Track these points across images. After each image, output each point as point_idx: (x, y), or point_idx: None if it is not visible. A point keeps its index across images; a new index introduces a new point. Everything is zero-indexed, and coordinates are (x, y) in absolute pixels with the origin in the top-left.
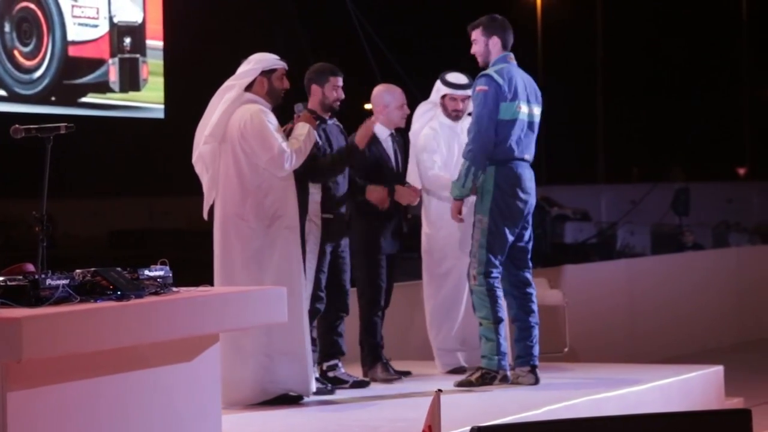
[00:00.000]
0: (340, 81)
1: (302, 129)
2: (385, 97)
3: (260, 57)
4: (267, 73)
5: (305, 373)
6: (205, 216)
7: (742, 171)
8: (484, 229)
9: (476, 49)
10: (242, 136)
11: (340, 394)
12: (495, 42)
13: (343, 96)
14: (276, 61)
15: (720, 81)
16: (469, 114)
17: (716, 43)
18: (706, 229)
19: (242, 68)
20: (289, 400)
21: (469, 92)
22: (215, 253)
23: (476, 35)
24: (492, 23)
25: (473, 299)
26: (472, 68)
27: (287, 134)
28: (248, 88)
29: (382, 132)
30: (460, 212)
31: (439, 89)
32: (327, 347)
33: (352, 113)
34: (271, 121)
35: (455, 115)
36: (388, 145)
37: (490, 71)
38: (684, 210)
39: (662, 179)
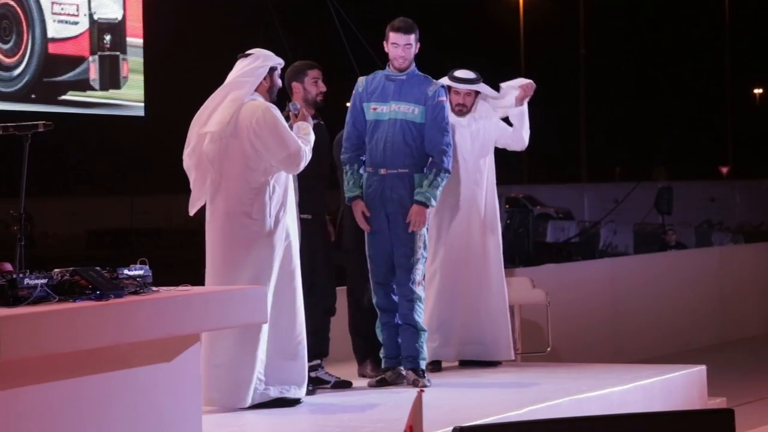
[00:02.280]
0: (319, 74)
1: (307, 128)
2: None
3: (266, 54)
4: (270, 71)
5: (303, 373)
6: (192, 212)
7: (725, 170)
8: (427, 236)
9: (408, 54)
10: (255, 132)
11: (321, 394)
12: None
13: (324, 89)
14: (278, 58)
15: (703, 81)
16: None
17: (699, 44)
18: (689, 228)
19: (249, 64)
20: (285, 403)
21: (471, 87)
22: (212, 251)
23: (411, 40)
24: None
25: (415, 306)
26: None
27: None
28: None
29: None
30: None
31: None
32: (310, 347)
33: (335, 111)
34: (281, 118)
35: (458, 110)
36: None
37: (441, 82)
38: (667, 209)
39: (645, 178)
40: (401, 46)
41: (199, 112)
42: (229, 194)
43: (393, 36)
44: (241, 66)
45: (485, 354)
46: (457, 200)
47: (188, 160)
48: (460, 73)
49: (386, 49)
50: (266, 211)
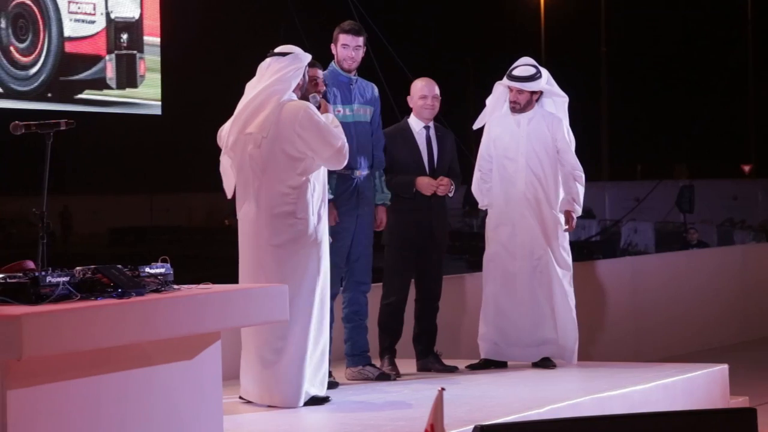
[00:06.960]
0: (318, 73)
1: (336, 121)
2: (412, 89)
3: (301, 54)
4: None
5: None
6: (229, 195)
7: (747, 168)
8: None
9: (358, 55)
10: (298, 134)
11: (342, 392)
12: None
13: (323, 88)
14: (308, 54)
15: (725, 78)
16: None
17: (721, 41)
18: (711, 226)
19: (287, 66)
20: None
21: (522, 85)
22: (256, 252)
23: (361, 42)
24: None
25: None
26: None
27: None
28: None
29: (416, 125)
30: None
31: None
32: None
33: None
34: (320, 115)
35: (512, 107)
36: (421, 138)
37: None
38: (689, 207)
39: (666, 176)
40: (351, 47)
41: (238, 112)
42: (272, 195)
43: (343, 38)
44: (278, 67)
45: (553, 353)
46: (510, 199)
47: (225, 160)
48: (517, 71)
49: (334, 51)
50: (310, 210)
